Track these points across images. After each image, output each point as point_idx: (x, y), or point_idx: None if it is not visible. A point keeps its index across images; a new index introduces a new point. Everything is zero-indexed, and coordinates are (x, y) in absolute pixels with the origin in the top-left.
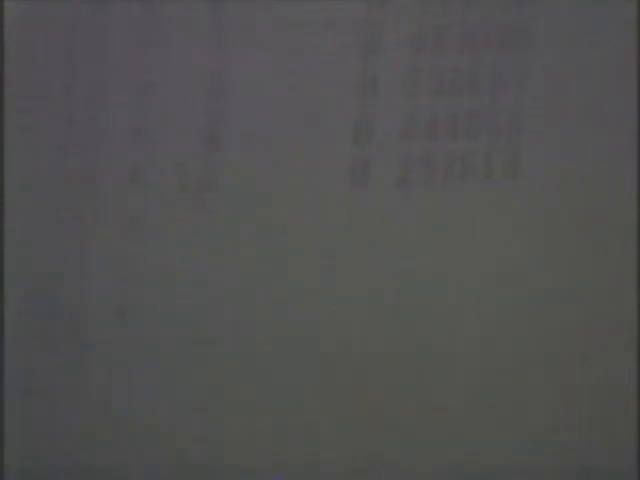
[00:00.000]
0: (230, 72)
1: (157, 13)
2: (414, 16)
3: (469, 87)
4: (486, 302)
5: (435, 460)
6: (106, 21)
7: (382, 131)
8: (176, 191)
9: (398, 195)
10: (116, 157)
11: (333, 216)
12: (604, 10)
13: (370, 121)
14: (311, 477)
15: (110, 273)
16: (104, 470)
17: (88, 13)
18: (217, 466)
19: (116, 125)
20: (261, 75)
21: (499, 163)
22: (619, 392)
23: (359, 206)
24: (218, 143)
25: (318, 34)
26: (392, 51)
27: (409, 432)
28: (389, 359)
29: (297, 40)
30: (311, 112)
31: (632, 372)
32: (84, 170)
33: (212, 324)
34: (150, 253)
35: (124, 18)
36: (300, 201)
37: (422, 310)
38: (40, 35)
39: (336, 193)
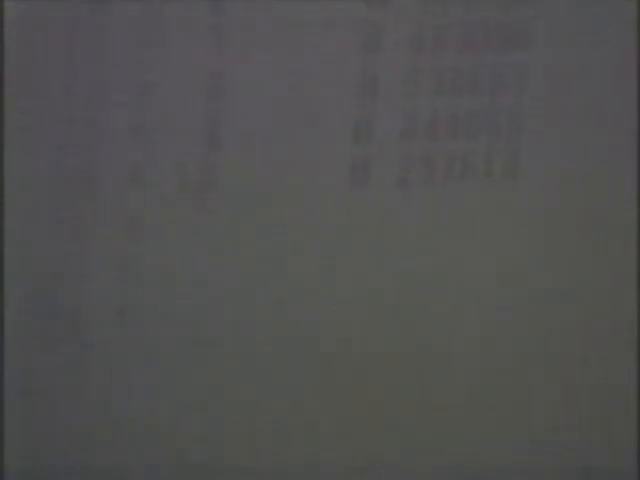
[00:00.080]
0: (230, 72)
1: (157, 13)
2: (414, 16)
3: (469, 87)
4: (486, 302)
5: (435, 460)
6: (106, 21)
7: (382, 131)
8: (176, 191)
9: (398, 195)
10: (116, 157)
11: (333, 216)
12: (604, 10)
13: (370, 121)
14: (311, 477)
15: (110, 273)
16: (104, 470)
17: (88, 13)
18: (217, 466)
19: (116, 125)
20: (261, 75)
21: (499, 163)
22: (619, 392)
23: (359, 206)
24: (218, 143)
25: (318, 34)
26: (392, 51)
27: (409, 432)
28: (389, 359)
29: (297, 40)
30: (311, 112)
31: (632, 372)
32: (84, 170)
33: (212, 324)
34: (150, 253)
35: (124, 18)
36: (300, 201)
37: (422, 310)
38: (40, 35)
39: (336, 193)
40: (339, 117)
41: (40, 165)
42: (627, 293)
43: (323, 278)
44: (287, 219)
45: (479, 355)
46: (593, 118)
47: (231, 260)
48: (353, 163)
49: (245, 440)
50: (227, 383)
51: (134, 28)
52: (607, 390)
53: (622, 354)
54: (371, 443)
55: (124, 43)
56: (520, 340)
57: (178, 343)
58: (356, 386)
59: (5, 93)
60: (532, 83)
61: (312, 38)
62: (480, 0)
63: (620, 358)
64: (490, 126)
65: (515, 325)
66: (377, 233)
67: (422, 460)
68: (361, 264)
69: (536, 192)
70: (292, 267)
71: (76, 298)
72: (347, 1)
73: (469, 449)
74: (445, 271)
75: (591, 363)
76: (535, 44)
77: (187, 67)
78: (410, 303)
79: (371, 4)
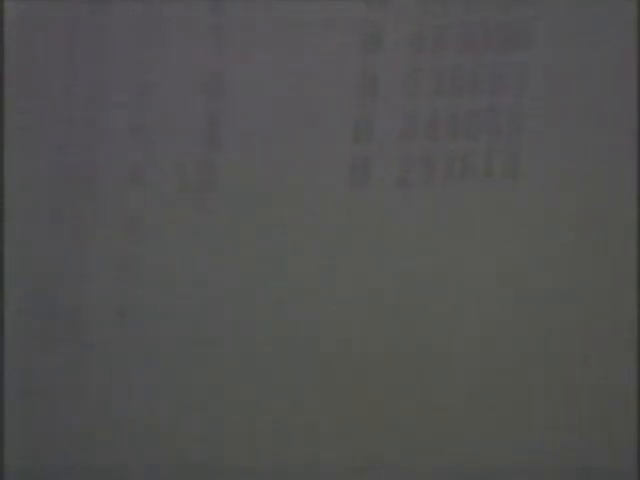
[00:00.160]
0: (230, 72)
1: (157, 13)
2: (414, 16)
3: (469, 87)
4: (486, 302)
5: (435, 460)
6: (106, 21)
7: (382, 131)
8: (176, 191)
9: (398, 195)
10: (116, 157)
11: (333, 216)
12: (604, 10)
13: (370, 121)
14: (311, 477)
15: (110, 273)
16: (104, 470)
17: (88, 13)
18: (217, 466)
19: (116, 125)
20: (261, 75)
21: (499, 163)
22: (619, 392)
23: (359, 206)
24: (218, 143)
25: (318, 34)
26: (392, 51)
27: (409, 432)
28: (389, 359)
29: (297, 40)
30: (311, 112)
31: (632, 372)
32: (84, 170)
33: (212, 324)
34: (150, 253)
35: (124, 18)
36: (300, 201)
37: (422, 310)
38: (40, 35)
39: (336, 193)
40: (339, 117)
41: (40, 165)
42: (627, 293)
43: (323, 278)
44: (287, 219)
45: (479, 355)
46: (593, 118)
47: (231, 260)
48: (353, 163)
49: (245, 440)
50: (227, 383)
51: (134, 28)
52: (607, 390)
53: (622, 354)
54: (371, 443)
55: (124, 43)
56: (520, 340)
57: (178, 343)
58: (356, 386)
59: (5, 93)
60: (532, 83)
61: (312, 38)
62: (480, 0)
63: (620, 358)
64: (490, 126)
65: (515, 325)
66: (377, 233)
67: (422, 460)
68: (361, 264)
69: (536, 192)
70: (292, 267)
71: (76, 298)
72: (347, 1)
73: (469, 449)
74: (445, 271)
75: (591, 363)
76: (535, 44)
77: (187, 67)
78: (410, 303)
79: (371, 4)
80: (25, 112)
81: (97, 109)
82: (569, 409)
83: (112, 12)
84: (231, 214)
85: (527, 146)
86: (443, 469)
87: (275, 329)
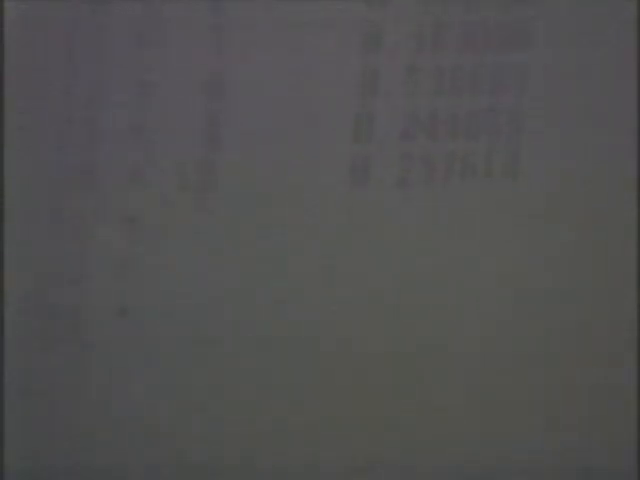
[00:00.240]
0: (230, 72)
1: (157, 13)
2: (414, 16)
3: (469, 87)
4: (486, 302)
5: (435, 460)
6: (106, 21)
7: (382, 131)
8: (176, 191)
9: (398, 195)
10: (116, 157)
11: (333, 216)
12: (604, 10)
13: (370, 121)
14: (311, 477)
15: (110, 273)
16: (104, 470)
17: (88, 13)
18: (217, 466)
19: (116, 125)
20: (261, 75)
21: (499, 163)
22: (619, 392)
23: (359, 206)
24: (218, 143)
25: (318, 34)
26: (392, 51)
27: (409, 432)
28: (389, 359)
29: (297, 40)
30: (311, 112)
31: (632, 372)
32: (84, 170)
33: (212, 324)
34: (150, 253)
35: (124, 18)
36: (300, 201)
37: (422, 310)
38: (40, 35)
39: (336, 193)
40: (339, 117)
41: (40, 165)
42: (627, 293)
43: (323, 278)
44: (287, 219)
45: (479, 355)
46: (593, 118)
47: (231, 260)
48: (353, 163)
49: (245, 440)
50: (227, 383)
51: (134, 28)
52: (607, 390)
53: (622, 354)
54: (371, 443)
55: (124, 43)
56: (520, 340)
57: (178, 343)
58: (356, 386)
59: (5, 93)
60: (532, 83)
61: (312, 38)
62: (480, 0)
63: (620, 358)
64: (490, 126)
65: (515, 325)
66: (377, 233)
67: (422, 460)
68: (361, 264)
69: (536, 192)
70: (292, 267)
71: (76, 298)
72: (347, 1)
73: (469, 449)
74: (445, 271)
75: (591, 363)
76: (535, 44)
77: (187, 67)
78: (410, 303)
79: (371, 4)
80: (25, 112)
81: (97, 109)
82: (569, 409)
83: (112, 12)
84: (231, 214)
85: (527, 146)
86: (443, 469)
87: (275, 329)
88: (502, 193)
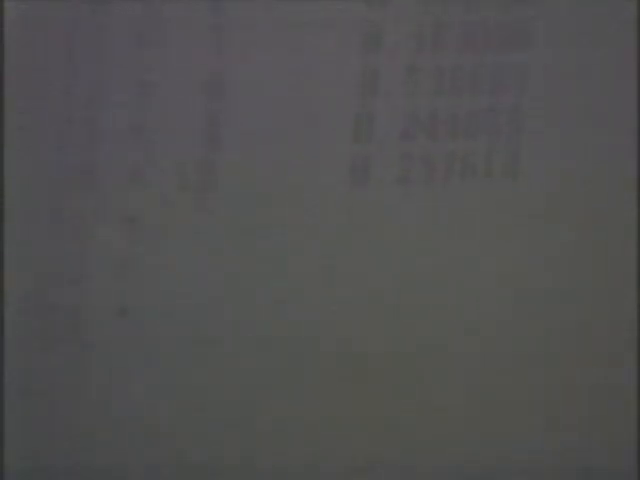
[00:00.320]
0: (230, 72)
1: (157, 13)
2: (414, 16)
3: (469, 87)
4: (486, 302)
5: (435, 460)
6: (106, 21)
7: (382, 131)
8: (176, 191)
9: (398, 194)
10: (116, 157)
11: (333, 216)
12: (604, 10)
13: (370, 121)
14: (311, 477)
15: (110, 273)
16: (104, 470)
17: (88, 13)
18: (217, 466)
19: (116, 125)
20: (261, 75)
21: (499, 163)
22: (619, 392)
23: (359, 206)
24: (218, 143)
25: (318, 34)
26: (392, 51)
27: (409, 432)
28: (389, 359)
29: (297, 40)
30: (311, 112)
31: (632, 372)
32: (84, 170)
33: (212, 324)
34: (150, 253)
35: (124, 18)
36: (300, 201)
37: (422, 310)
38: (40, 35)
39: (336, 193)
40: (339, 117)
41: (40, 165)
42: (627, 293)
43: (323, 278)
44: (287, 219)
45: (479, 355)
46: (593, 118)
47: (231, 260)
48: (353, 163)
49: (245, 440)
50: (227, 383)
51: (134, 28)
52: (607, 390)
53: (622, 354)
54: (371, 443)
55: (124, 43)
56: (520, 340)
57: (178, 343)
58: (356, 386)
59: (5, 93)
60: (532, 83)
61: (312, 38)
62: (480, 0)
63: (620, 358)
64: (490, 126)
65: (515, 325)
66: (377, 233)
67: (422, 460)
68: (361, 264)
69: (536, 192)
70: (292, 267)
71: (76, 298)
72: (347, 1)
73: (469, 449)
74: (445, 271)
75: (591, 363)
76: (535, 44)
77: (187, 67)
78: (410, 303)
79: (371, 4)
80: (25, 112)
81: (97, 109)
82: (569, 409)
83: (112, 12)
84: (231, 214)
85: (527, 146)
86: (443, 469)
87: (275, 329)
88: (502, 193)
